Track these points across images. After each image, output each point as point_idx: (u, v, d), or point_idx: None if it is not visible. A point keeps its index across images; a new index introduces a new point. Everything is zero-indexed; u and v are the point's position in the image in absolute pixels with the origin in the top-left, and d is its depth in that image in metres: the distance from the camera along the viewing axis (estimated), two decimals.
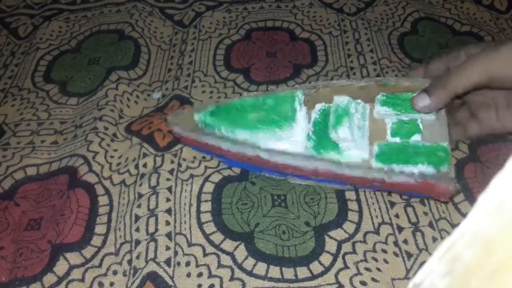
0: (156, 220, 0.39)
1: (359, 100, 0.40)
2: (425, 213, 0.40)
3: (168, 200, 0.41)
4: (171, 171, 0.43)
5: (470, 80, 0.36)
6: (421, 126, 0.39)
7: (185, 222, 0.39)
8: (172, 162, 0.43)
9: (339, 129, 0.37)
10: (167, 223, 0.39)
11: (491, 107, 0.40)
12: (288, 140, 0.39)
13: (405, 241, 0.38)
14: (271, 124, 0.39)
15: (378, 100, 0.40)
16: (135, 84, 0.52)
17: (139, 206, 0.40)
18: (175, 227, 0.39)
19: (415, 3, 0.62)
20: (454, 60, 0.40)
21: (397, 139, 0.39)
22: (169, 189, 0.41)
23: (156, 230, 0.39)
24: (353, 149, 0.38)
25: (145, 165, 0.43)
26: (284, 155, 0.38)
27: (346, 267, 0.36)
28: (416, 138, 0.38)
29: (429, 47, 0.56)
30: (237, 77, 0.53)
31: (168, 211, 0.40)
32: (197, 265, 0.37)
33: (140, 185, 0.42)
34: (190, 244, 0.38)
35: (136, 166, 0.44)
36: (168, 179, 0.42)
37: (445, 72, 0.39)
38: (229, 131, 0.40)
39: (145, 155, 0.44)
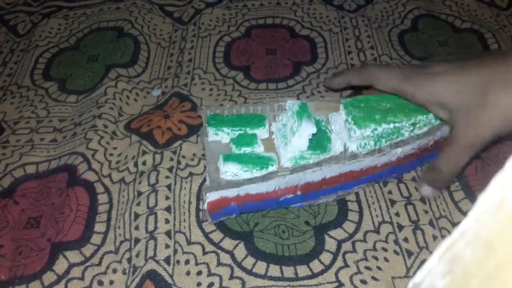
0: (156, 218, 0.39)
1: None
2: (426, 211, 0.40)
3: (167, 198, 0.41)
4: (170, 169, 0.43)
5: (459, 164, 0.35)
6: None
7: (184, 220, 0.39)
8: (171, 159, 0.43)
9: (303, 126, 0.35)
10: (167, 221, 0.39)
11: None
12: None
13: (406, 240, 0.38)
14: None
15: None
16: (135, 81, 0.52)
17: (138, 204, 0.40)
18: (174, 225, 0.39)
19: (415, 0, 0.61)
20: (357, 75, 0.40)
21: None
22: (168, 187, 0.41)
23: (156, 228, 0.38)
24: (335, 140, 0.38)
25: (144, 163, 0.43)
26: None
27: (346, 265, 0.36)
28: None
29: (430, 44, 0.56)
30: (237, 74, 0.53)
31: (168, 209, 0.40)
32: (197, 263, 0.37)
33: (140, 183, 0.42)
34: (189, 242, 0.38)
35: (136, 164, 0.43)
36: (167, 177, 0.42)
37: (436, 164, 0.38)
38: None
39: (144, 152, 0.44)
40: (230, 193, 0.36)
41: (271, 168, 0.36)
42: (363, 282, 0.35)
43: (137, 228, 0.39)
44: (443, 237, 0.38)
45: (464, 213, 0.40)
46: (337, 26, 0.58)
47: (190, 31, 0.59)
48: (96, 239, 0.39)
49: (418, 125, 0.38)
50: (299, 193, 0.38)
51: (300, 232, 0.38)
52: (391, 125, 0.37)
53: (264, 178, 0.36)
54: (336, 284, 0.35)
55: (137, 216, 0.40)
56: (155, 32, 0.59)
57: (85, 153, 0.44)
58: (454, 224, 0.39)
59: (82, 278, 0.36)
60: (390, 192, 0.41)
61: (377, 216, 0.39)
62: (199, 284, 0.35)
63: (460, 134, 0.34)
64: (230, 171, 0.35)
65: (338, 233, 0.38)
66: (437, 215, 0.39)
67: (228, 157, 0.36)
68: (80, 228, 0.39)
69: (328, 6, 0.61)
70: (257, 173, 0.36)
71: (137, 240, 0.38)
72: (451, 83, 0.34)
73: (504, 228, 0.13)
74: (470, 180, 0.42)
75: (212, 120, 0.39)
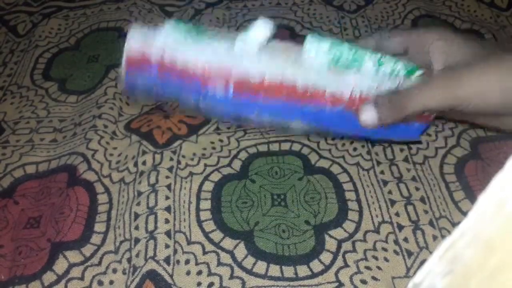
0: (156, 218, 0.39)
1: None
2: (426, 212, 0.40)
3: (167, 198, 0.41)
4: (170, 169, 0.43)
5: (428, 106, 0.30)
6: None
7: (184, 220, 0.39)
8: (171, 159, 0.43)
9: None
10: (167, 221, 0.39)
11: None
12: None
13: (406, 240, 0.38)
14: None
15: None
16: None
17: (138, 204, 0.40)
18: (174, 225, 0.39)
19: (415, 1, 0.62)
20: (414, 41, 0.34)
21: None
22: (168, 186, 0.41)
23: (156, 228, 0.38)
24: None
25: (144, 163, 0.43)
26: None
27: (346, 265, 0.36)
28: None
29: None
30: None
31: (168, 209, 0.40)
32: (197, 263, 0.37)
33: (139, 183, 0.42)
34: (189, 242, 0.38)
35: (135, 164, 0.43)
36: (167, 177, 0.42)
37: (400, 90, 0.33)
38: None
39: (144, 152, 0.44)
40: (155, 48, 0.29)
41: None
42: (363, 282, 0.35)
43: (137, 228, 0.39)
44: (443, 237, 0.38)
45: (464, 213, 0.40)
46: (337, 26, 0.58)
47: None
48: (96, 239, 0.39)
49: (383, 67, 0.32)
50: (231, 87, 0.31)
51: (300, 232, 0.38)
52: (353, 50, 0.31)
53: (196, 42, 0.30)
54: (336, 284, 0.35)
55: (137, 216, 0.40)
56: None
57: (85, 153, 0.44)
58: (454, 224, 0.39)
59: (82, 278, 0.36)
60: (390, 192, 0.41)
61: (377, 216, 0.39)
62: (199, 284, 0.35)
63: (447, 76, 0.30)
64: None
65: (338, 233, 0.38)
66: (437, 215, 0.39)
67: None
68: (80, 228, 0.39)
69: (328, 7, 0.61)
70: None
71: (137, 240, 0.38)
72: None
73: (504, 229, 0.13)
74: (470, 180, 0.42)
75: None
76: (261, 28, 0.30)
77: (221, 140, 0.45)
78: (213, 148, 0.45)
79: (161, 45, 0.30)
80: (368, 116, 0.32)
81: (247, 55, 0.30)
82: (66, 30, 0.60)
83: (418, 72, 0.32)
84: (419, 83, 0.32)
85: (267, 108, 0.32)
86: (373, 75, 0.32)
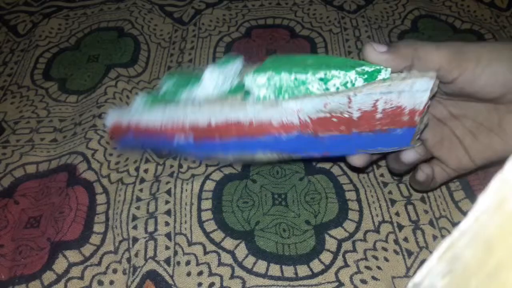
0: (155, 221, 0.39)
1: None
2: (426, 211, 0.40)
3: (167, 202, 0.41)
4: (171, 174, 0.43)
5: (437, 58, 0.28)
6: None
7: (185, 222, 0.39)
8: (171, 166, 0.43)
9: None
10: (167, 223, 0.39)
11: (453, 142, 0.34)
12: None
13: (406, 239, 0.38)
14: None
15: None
16: (135, 81, 0.52)
17: (137, 208, 0.40)
18: (174, 227, 0.39)
19: (415, 1, 0.62)
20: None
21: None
22: (168, 192, 0.41)
23: (156, 230, 0.38)
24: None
25: (146, 171, 0.43)
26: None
27: (346, 265, 0.36)
28: None
29: None
30: None
31: (168, 212, 0.40)
32: (198, 264, 0.37)
33: (141, 190, 0.42)
34: (190, 243, 0.38)
35: (137, 169, 0.43)
36: (167, 182, 0.42)
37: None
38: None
39: (147, 160, 0.44)
40: (124, 119, 0.37)
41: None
42: (363, 281, 0.35)
43: (135, 227, 0.39)
44: (443, 237, 0.38)
45: (464, 213, 0.40)
46: (337, 26, 0.58)
47: (190, 32, 0.59)
48: (95, 239, 0.39)
49: (331, 82, 0.29)
50: (191, 137, 0.34)
51: (301, 231, 0.38)
52: (293, 76, 0.29)
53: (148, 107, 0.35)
54: (336, 284, 0.35)
55: (135, 217, 0.40)
56: (155, 32, 0.59)
57: (85, 152, 0.44)
58: (454, 224, 0.39)
59: (81, 278, 0.37)
60: (390, 192, 0.41)
61: (377, 215, 0.39)
62: (200, 284, 0.35)
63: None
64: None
65: (338, 232, 0.38)
66: (437, 215, 0.39)
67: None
68: (80, 227, 0.39)
69: (328, 7, 0.61)
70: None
71: (135, 240, 0.38)
72: None
73: (504, 228, 0.13)
74: (470, 180, 0.42)
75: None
76: (208, 81, 0.32)
77: None
78: None
79: (131, 116, 0.36)
80: (381, 49, 0.29)
81: (193, 107, 0.33)
82: (66, 30, 0.60)
83: (383, 73, 0.29)
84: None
85: (228, 146, 0.34)
86: (320, 94, 0.30)
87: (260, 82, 0.30)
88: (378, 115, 0.30)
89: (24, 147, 0.47)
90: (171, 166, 0.43)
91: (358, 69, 0.29)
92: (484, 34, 0.56)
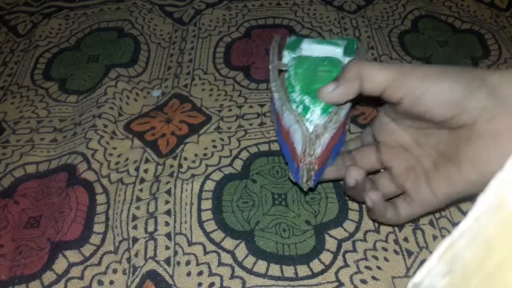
0: (155, 221, 0.39)
1: None
2: None
3: (167, 202, 0.41)
4: (171, 174, 0.43)
5: (383, 76, 0.29)
6: None
7: (185, 222, 0.39)
8: (171, 166, 0.43)
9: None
10: (167, 223, 0.39)
11: (417, 172, 0.33)
12: None
13: (406, 239, 0.38)
14: None
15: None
16: (135, 81, 0.52)
17: (137, 208, 0.40)
18: (174, 227, 0.39)
19: (415, 1, 0.62)
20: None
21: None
22: (168, 191, 0.41)
23: (156, 230, 0.39)
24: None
25: (146, 171, 0.43)
26: None
27: (346, 265, 0.36)
28: None
29: (430, 44, 0.56)
30: (237, 75, 0.53)
31: (168, 212, 0.40)
32: (198, 264, 0.37)
33: (141, 190, 0.42)
34: (190, 244, 0.38)
35: (137, 169, 0.43)
36: (167, 182, 0.42)
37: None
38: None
39: (147, 160, 0.44)
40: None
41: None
42: (363, 281, 0.35)
43: (135, 227, 0.39)
44: (443, 237, 0.38)
45: (464, 213, 0.40)
46: (337, 26, 0.58)
47: (190, 32, 0.59)
48: (95, 239, 0.39)
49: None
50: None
51: (301, 231, 0.38)
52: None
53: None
54: (336, 283, 0.35)
55: (135, 217, 0.40)
56: (155, 32, 0.59)
57: (85, 152, 0.44)
58: (454, 224, 0.39)
59: (81, 278, 0.37)
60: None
61: None
62: (200, 284, 0.35)
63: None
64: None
65: (338, 232, 0.38)
66: (437, 215, 0.39)
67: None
68: (80, 227, 0.39)
69: (328, 7, 0.61)
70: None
71: (135, 239, 0.38)
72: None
73: (504, 228, 0.13)
74: None
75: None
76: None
77: (222, 139, 0.45)
78: (214, 146, 0.45)
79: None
80: (331, 89, 0.31)
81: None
82: (66, 30, 0.60)
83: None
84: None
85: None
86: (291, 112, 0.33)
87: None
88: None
89: (24, 147, 0.47)
90: (171, 166, 0.43)
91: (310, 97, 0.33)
92: (484, 34, 0.56)
